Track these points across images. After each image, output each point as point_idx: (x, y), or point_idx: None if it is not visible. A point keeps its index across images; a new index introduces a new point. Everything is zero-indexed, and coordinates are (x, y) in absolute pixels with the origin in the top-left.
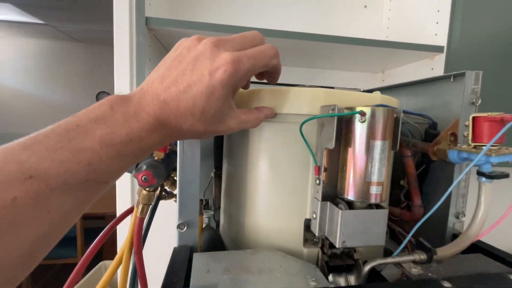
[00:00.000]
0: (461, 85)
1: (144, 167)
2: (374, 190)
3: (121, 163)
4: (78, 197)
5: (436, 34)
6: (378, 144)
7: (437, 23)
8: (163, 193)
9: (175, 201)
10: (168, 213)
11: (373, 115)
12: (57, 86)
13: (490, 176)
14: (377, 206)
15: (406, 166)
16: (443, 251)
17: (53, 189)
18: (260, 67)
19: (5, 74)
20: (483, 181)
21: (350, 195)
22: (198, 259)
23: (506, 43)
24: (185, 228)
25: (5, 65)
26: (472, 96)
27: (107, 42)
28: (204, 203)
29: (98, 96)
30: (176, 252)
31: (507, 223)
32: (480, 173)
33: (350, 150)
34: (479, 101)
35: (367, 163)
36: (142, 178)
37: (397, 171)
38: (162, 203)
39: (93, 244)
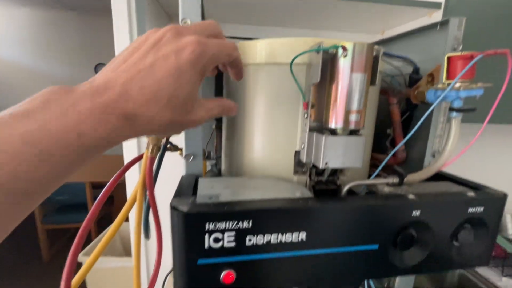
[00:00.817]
0: (446, 33)
1: None
2: (353, 117)
3: (52, 167)
4: None
5: None
6: (357, 76)
7: None
8: (169, 145)
9: (180, 154)
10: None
11: (354, 50)
12: (55, 58)
13: (459, 110)
14: (356, 134)
15: (391, 114)
16: (413, 176)
17: None
18: (224, 56)
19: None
20: (454, 116)
21: (333, 123)
22: (204, 180)
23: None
24: (191, 158)
25: None
26: (454, 42)
27: (102, 9)
28: (206, 155)
29: (97, 68)
30: (184, 178)
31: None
32: (451, 109)
33: (334, 84)
34: (461, 47)
35: (348, 93)
36: None
37: (386, 121)
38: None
39: (105, 187)
